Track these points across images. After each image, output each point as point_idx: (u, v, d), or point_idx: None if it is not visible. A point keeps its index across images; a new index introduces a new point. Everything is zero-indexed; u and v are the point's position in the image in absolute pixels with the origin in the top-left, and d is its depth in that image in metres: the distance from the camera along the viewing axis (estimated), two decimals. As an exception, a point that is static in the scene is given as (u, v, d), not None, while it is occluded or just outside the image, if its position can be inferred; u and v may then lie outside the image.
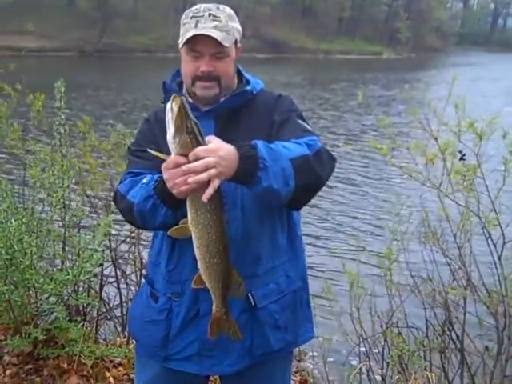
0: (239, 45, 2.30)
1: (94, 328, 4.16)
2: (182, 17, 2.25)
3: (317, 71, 37.34)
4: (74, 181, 4.10)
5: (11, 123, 4.27)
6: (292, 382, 3.91)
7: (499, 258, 3.45)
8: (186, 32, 2.17)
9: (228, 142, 1.95)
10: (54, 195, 3.87)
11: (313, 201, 2.23)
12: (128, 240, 4.35)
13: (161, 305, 2.29)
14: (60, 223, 4.00)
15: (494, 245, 3.47)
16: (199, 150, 1.79)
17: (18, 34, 38.13)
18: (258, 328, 2.25)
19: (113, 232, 4.20)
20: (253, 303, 2.23)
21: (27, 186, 4.36)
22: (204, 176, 1.77)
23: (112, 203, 4.20)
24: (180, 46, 2.20)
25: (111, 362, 3.83)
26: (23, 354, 3.71)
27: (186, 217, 1.97)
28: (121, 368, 3.74)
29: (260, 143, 1.93)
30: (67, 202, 3.98)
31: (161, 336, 2.29)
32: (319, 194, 2.21)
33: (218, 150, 1.81)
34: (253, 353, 2.28)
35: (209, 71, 2.17)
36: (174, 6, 51.88)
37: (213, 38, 2.12)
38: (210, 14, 2.17)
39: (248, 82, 2.33)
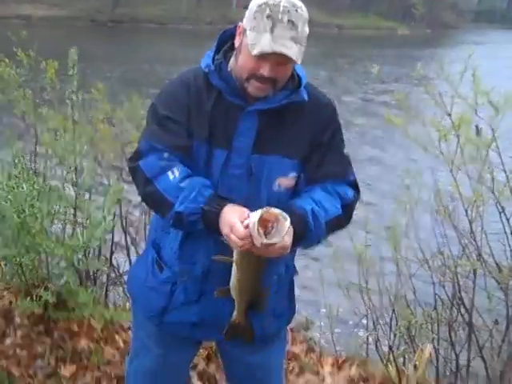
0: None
1: (104, 293, 4.21)
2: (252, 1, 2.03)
3: (330, 46, 36.98)
4: (85, 147, 4.10)
5: (24, 90, 4.26)
6: (299, 350, 3.93)
7: (512, 233, 3.45)
8: (260, 37, 1.94)
9: (268, 140, 2.08)
10: (66, 162, 3.87)
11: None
12: (139, 208, 4.36)
13: (166, 277, 2.24)
14: (71, 189, 4.01)
15: (507, 219, 3.46)
16: (265, 252, 1.93)
17: (29, 3, 37.95)
18: (256, 318, 2.23)
19: (123, 200, 4.21)
20: None
21: (39, 153, 4.38)
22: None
23: (123, 171, 4.22)
24: (252, 52, 1.97)
25: (121, 326, 3.85)
26: (34, 316, 3.74)
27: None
28: (130, 332, 3.77)
29: (310, 213, 2.03)
30: (79, 168, 3.99)
31: (160, 305, 2.27)
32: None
33: (284, 246, 1.93)
34: None
35: (270, 77, 2.01)
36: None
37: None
38: (288, 21, 1.94)
39: (299, 79, 2.16)
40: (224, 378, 3.43)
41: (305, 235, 2.02)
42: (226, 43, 2.18)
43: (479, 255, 3.58)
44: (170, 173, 2.03)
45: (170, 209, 2.02)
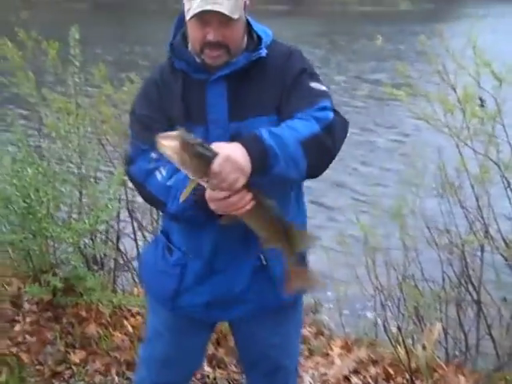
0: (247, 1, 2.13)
1: (112, 278, 4.19)
2: None
3: (334, 24, 36.68)
4: (89, 129, 4.08)
5: (26, 72, 4.22)
6: (308, 333, 3.93)
7: (519, 209, 3.43)
8: (192, 2, 1.99)
9: (241, 105, 2.02)
10: (70, 144, 3.85)
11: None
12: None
13: (176, 259, 2.26)
14: (76, 172, 3.99)
15: (514, 194, 3.43)
16: (214, 170, 1.75)
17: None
18: (268, 286, 2.22)
19: (129, 183, 4.19)
20: (264, 262, 2.21)
21: (43, 136, 4.35)
22: (237, 200, 1.83)
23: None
24: (187, 18, 2.03)
25: (129, 311, 3.85)
26: (43, 302, 3.75)
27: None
28: (139, 317, 3.77)
29: (264, 132, 1.88)
30: (83, 151, 3.97)
31: (172, 288, 2.27)
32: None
33: (229, 158, 1.76)
34: (263, 305, 2.27)
35: (217, 40, 2.02)
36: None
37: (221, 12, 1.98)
38: None
39: (259, 39, 2.16)
40: (233, 362, 3.45)
41: (266, 155, 1.85)
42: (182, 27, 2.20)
43: (486, 232, 3.57)
44: (157, 173, 2.04)
45: (165, 208, 2.06)
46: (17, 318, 3.71)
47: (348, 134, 2.12)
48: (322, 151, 1.98)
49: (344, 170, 9.19)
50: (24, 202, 3.48)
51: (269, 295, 2.24)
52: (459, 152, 3.55)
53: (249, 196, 1.85)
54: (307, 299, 3.70)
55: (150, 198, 2.13)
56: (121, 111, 4.19)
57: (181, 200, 1.90)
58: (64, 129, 3.95)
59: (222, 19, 1.99)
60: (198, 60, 2.10)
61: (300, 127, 1.95)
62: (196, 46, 2.07)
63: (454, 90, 3.50)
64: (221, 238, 2.12)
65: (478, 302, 3.61)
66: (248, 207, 1.86)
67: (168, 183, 2.02)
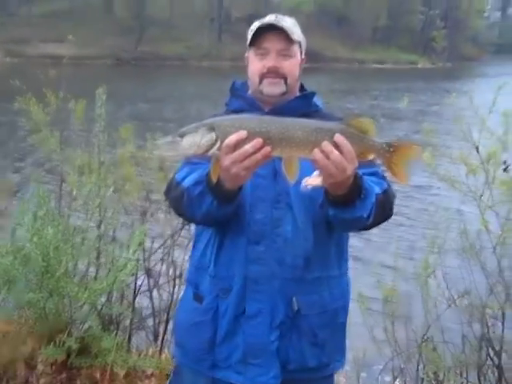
0: (303, 55, 2.33)
1: (127, 337, 4.16)
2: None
3: (351, 81, 37.16)
4: (111, 188, 4.12)
5: (51, 130, 4.30)
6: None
7: (542, 272, 3.38)
8: (251, 30, 2.25)
9: None
10: (91, 203, 3.89)
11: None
12: (161, 250, 4.34)
13: (206, 304, 2.27)
14: (95, 231, 4.01)
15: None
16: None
17: (56, 42, 38.72)
18: (296, 340, 2.23)
19: (147, 241, 4.20)
20: (296, 308, 2.21)
21: (64, 194, 4.40)
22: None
23: (147, 212, 4.22)
24: (248, 42, 2.25)
25: (143, 372, 3.81)
26: (57, 364, 3.71)
27: (231, 214, 2.12)
28: (153, 378, 3.73)
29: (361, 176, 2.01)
30: (103, 210, 4.00)
31: (207, 338, 2.26)
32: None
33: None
34: (287, 367, 2.24)
35: (275, 66, 2.20)
36: (209, 15, 52.35)
37: (280, 34, 2.18)
38: (276, 17, 2.24)
39: (313, 95, 2.36)
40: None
41: (359, 192, 1.99)
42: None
43: (507, 294, 3.51)
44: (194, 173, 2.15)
45: (184, 193, 2.15)
46: (30, 379, 3.67)
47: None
48: (385, 210, 2.16)
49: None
50: (43, 260, 3.50)
51: (295, 352, 2.24)
52: (481, 213, 3.53)
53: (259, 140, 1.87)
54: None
55: (179, 194, 2.17)
56: (142, 169, 4.25)
57: (214, 178, 1.96)
58: (86, 187, 4.00)
59: (280, 47, 2.20)
60: (255, 96, 2.27)
61: (372, 184, 2.10)
62: (256, 77, 2.25)
63: (477, 148, 3.51)
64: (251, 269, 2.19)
65: (499, 367, 3.52)
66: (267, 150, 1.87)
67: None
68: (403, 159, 1.97)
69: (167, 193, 2.30)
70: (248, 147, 1.85)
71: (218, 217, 2.11)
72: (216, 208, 2.06)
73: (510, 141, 3.37)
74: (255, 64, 2.24)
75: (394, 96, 27.53)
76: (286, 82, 2.23)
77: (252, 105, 2.27)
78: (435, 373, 3.61)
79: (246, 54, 2.31)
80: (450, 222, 3.71)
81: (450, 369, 3.60)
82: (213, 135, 1.88)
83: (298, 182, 2.08)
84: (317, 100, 2.37)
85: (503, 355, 3.56)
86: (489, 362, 3.60)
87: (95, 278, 3.87)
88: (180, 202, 2.18)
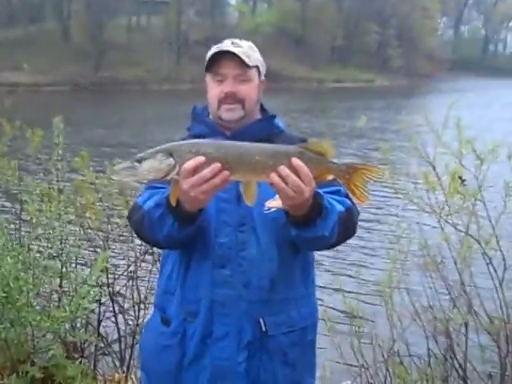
0: (262, 78, 2.36)
1: (92, 364, 4.11)
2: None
3: (310, 100, 37.57)
4: (71, 216, 4.08)
5: (8, 160, 4.26)
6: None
7: (500, 284, 3.44)
8: (208, 55, 2.26)
9: None
10: (52, 231, 3.84)
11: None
12: (125, 274, 4.31)
13: (174, 327, 2.25)
14: (57, 259, 3.96)
15: (495, 270, 3.45)
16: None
17: (12, 70, 38.31)
18: (266, 360, 2.22)
19: (110, 267, 4.16)
20: (264, 329, 2.21)
21: (23, 222, 4.34)
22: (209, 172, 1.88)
23: (109, 236, 4.19)
24: (205, 68, 2.27)
25: (109, 399, 3.77)
26: (20, 394, 3.65)
27: (192, 236, 2.12)
28: (119, 406, 3.69)
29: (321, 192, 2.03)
30: (64, 238, 3.95)
31: (174, 361, 2.24)
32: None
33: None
34: None
35: (232, 92, 2.22)
36: (168, 38, 52.46)
37: (235, 60, 2.20)
38: (232, 43, 2.26)
39: (273, 117, 2.38)
40: None
41: (320, 211, 2.02)
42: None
43: (470, 306, 3.56)
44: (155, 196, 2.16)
45: (145, 215, 2.15)
46: (-7, 412, 3.60)
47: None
48: (347, 228, 2.19)
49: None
50: (3, 290, 3.44)
51: (266, 372, 2.23)
52: (441, 227, 3.59)
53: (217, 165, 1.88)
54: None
55: (140, 217, 2.17)
56: (103, 196, 4.22)
57: (173, 202, 1.97)
58: (46, 215, 3.95)
59: (236, 73, 2.22)
60: (216, 122, 2.29)
61: (333, 202, 2.12)
62: (214, 102, 2.27)
63: (434, 167, 3.57)
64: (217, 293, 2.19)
65: (464, 378, 3.57)
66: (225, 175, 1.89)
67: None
68: (362, 180, 2.01)
69: (129, 217, 2.30)
70: (206, 172, 1.86)
71: (180, 238, 2.11)
72: (177, 230, 2.06)
73: (464, 153, 3.45)
74: (213, 89, 2.26)
75: (352, 114, 27.96)
76: (243, 107, 2.25)
77: (213, 129, 2.28)
78: (402, 387, 3.63)
79: (206, 79, 2.34)
80: (412, 237, 3.77)
81: (416, 382, 3.63)
82: (171, 160, 1.89)
83: (262, 205, 2.11)
84: (279, 121, 2.39)
85: (468, 366, 3.61)
86: (454, 373, 3.64)
87: (58, 306, 3.81)
88: (141, 225, 2.18)
